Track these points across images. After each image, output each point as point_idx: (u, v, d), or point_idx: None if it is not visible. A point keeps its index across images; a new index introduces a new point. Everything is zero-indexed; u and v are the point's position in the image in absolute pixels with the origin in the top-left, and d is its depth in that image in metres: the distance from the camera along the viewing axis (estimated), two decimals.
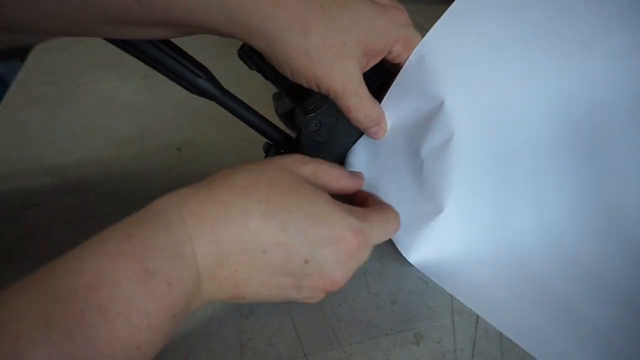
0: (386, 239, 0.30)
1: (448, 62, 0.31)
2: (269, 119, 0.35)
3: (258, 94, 0.39)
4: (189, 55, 0.32)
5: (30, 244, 0.38)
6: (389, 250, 0.37)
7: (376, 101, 0.32)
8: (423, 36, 0.31)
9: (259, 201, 0.25)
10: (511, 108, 0.32)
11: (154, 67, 0.31)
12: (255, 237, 0.24)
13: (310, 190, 0.26)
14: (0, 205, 0.42)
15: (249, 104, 0.34)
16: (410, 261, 0.35)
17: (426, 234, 0.35)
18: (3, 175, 0.46)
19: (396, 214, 0.31)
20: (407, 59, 0.31)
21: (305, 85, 0.30)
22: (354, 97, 0.30)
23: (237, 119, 0.34)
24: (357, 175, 0.33)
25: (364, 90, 0.31)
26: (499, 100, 0.32)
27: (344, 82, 0.29)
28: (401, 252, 0.36)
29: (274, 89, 0.38)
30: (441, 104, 0.32)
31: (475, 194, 0.34)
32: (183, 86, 0.32)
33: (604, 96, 0.30)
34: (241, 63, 0.34)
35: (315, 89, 0.30)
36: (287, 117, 0.38)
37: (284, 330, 0.31)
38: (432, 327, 0.32)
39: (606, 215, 0.31)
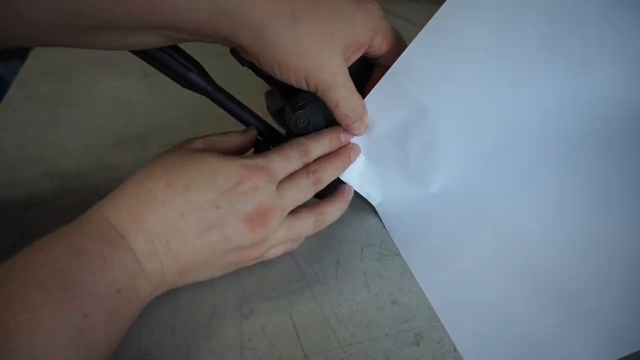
0: (292, 169, 0.32)
1: (434, 68, 0.32)
2: (263, 117, 0.35)
3: (257, 92, 0.39)
4: (182, 49, 0.32)
5: (31, 244, 0.38)
6: (389, 251, 0.37)
7: (361, 97, 0.32)
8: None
9: (159, 177, 0.28)
10: (496, 113, 0.33)
11: (146, 60, 0.31)
12: (167, 206, 0.27)
13: (200, 154, 0.29)
14: (0, 205, 0.42)
15: (247, 102, 0.34)
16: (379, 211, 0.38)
17: (406, 209, 0.37)
18: (3, 175, 0.46)
19: (293, 151, 0.32)
20: (386, 50, 0.32)
21: (293, 81, 0.30)
22: (343, 90, 0.31)
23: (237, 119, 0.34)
24: (247, 130, 0.34)
25: (351, 84, 0.31)
26: (484, 106, 0.33)
27: (334, 73, 0.29)
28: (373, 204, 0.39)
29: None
30: (426, 111, 0.33)
31: (460, 187, 0.36)
32: (174, 79, 0.32)
33: (594, 100, 0.30)
34: None
35: (304, 84, 0.30)
36: (279, 114, 0.38)
37: (284, 330, 0.31)
38: (432, 327, 0.32)
39: (595, 208, 0.31)
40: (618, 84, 0.29)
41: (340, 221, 0.39)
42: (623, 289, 0.29)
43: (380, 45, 0.31)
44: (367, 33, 0.30)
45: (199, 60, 0.33)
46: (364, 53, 0.32)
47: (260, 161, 0.30)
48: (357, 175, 0.37)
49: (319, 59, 0.28)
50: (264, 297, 0.34)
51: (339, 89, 0.30)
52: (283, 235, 0.31)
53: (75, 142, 0.50)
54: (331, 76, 0.29)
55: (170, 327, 0.32)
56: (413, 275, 0.35)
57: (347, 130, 0.34)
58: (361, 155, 0.36)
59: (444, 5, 0.29)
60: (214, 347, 0.31)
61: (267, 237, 0.30)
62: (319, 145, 0.33)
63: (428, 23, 0.30)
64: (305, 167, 0.32)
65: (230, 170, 0.28)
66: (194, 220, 0.27)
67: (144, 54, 0.30)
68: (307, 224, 0.33)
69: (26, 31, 0.26)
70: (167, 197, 0.27)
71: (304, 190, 0.32)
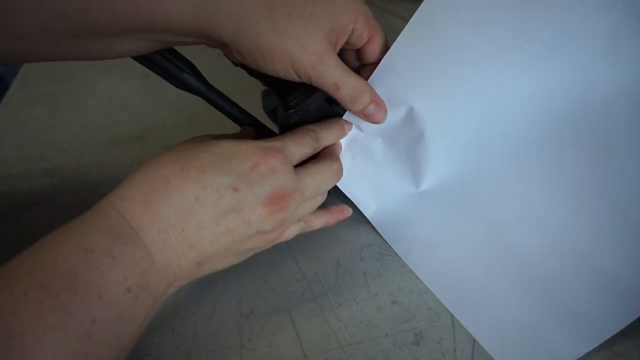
0: (305, 155, 0.31)
1: (417, 66, 0.32)
2: (259, 116, 0.35)
3: (254, 93, 0.39)
4: (175, 50, 0.32)
5: (30, 244, 0.37)
6: (389, 251, 0.37)
7: (360, 76, 0.31)
8: None
9: (172, 162, 0.27)
10: (480, 106, 0.33)
11: (140, 62, 0.31)
12: (181, 191, 0.26)
13: (213, 139, 0.28)
14: (0, 205, 0.42)
15: (244, 102, 0.34)
16: (367, 215, 0.38)
17: (399, 207, 0.37)
18: (3, 175, 0.46)
19: (315, 135, 0.32)
20: (367, 39, 0.31)
21: (279, 71, 0.29)
22: (337, 70, 0.29)
23: None
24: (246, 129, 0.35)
25: (344, 64, 0.30)
26: (468, 100, 0.33)
27: (320, 54, 0.28)
28: (362, 209, 0.38)
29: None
30: (410, 109, 0.34)
31: (450, 182, 0.36)
32: (168, 80, 0.32)
33: (574, 93, 0.30)
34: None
35: (293, 74, 0.29)
36: (274, 114, 0.38)
37: (284, 330, 0.31)
38: (432, 327, 0.32)
39: (578, 196, 0.31)
40: (591, 67, 0.29)
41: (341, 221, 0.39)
42: (601, 280, 0.30)
43: (361, 31, 0.30)
44: (348, 15, 0.29)
45: (197, 61, 0.33)
46: (346, 44, 0.31)
47: (275, 143, 0.29)
48: (345, 176, 0.37)
49: (301, 42, 0.28)
50: (264, 297, 0.34)
51: (332, 69, 0.29)
52: (301, 214, 0.31)
53: (75, 142, 0.50)
54: (318, 58, 0.28)
55: (170, 327, 0.32)
56: (413, 275, 0.35)
57: (366, 119, 0.33)
58: (349, 155, 0.36)
59: (423, 4, 0.30)
60: (214, 347, 0.31)
61: (286, 219, 0.29)
62: (329, 133, 0.33)
63: (409, 22, 0.30)
64: (329, 156, 0.32)
65: (246, 153, 0.27)
66: (210, 204, 0.26)
67: (139, 56, 0.30)
68: (319, 201, 0.32)
69: (11, 41, 0.25)
70: (180, 182, 0.26)
71: (327, 178, 0.31)
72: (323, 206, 0.33)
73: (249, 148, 0.27)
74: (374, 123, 0.33)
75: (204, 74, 0.33)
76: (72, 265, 0.22)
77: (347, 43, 0.31)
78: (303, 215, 0.31)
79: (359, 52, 0.33)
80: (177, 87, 0.32)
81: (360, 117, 0.33)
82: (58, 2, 0.24)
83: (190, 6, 0.26)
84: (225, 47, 0.29)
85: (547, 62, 0.30)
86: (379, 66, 0.32)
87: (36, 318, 0.21)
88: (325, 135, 0.33)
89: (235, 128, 0.35)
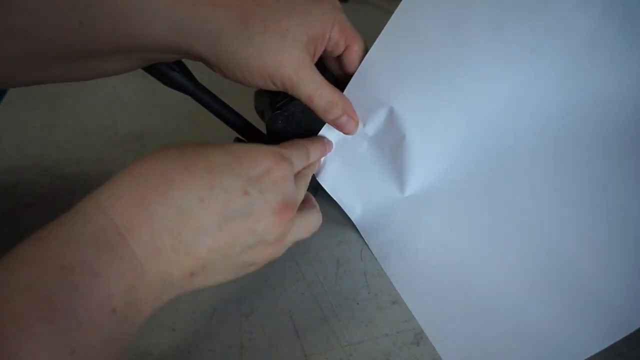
0: (300, 169, 0.31)
1: (396, 69, 0.32)
2: (252, 116, 0.35)
3: (251, 95, 0.39)
4: None
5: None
6: None
7: (338, 89, 0.32)
8: None
9: (174, 158, 0.23)
10: (460, 110, 0.33)
11: None
12: (184, 190, 0.23)
13: (221, 144, 0.26)
14: (1, 205, 0.42)
15: (238, 103, 0.34)
16: (352, 219, 0.38)
17: (383, 211, 0.37)
18: (3, 175, 0.46)
19: (314, 148, 0.33)
20: (345, 46, 0.31)
21: (260, 83, 0.30)
22: (311, 83, 0.30)
23: None
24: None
25: (319, 76, 0.30)
26: (446, 102, 0.32)
27: (296, 67, 0.29)
28: (347, 213, 0.38)
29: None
30: (390, 110, 0.33)
31: (434, 188, 0.36)
32: (158, 78, 0.32)
33: (556, 93, 0.30)
34: None
35: (271, 85, 0.30)
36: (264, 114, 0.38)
37: (284, 330, 0.31)
38: None
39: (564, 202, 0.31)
40: (572, 68, 0.29)
41: (340, 221, 0.39)
42: (622, 271, 0.29)
43: (337, 39, 0.31)
44: (323, 23, 0.29)
45: (192, 62, 0.33)
46: (325, 53, 0.31)
47: (283, 151, 0.27)
48: (332, 179, 0.37)
49: (277, 55, 0.28)
50: (264, 297, 0.34)
51: (307, 82, 0.30)
52: (297, 233, 0.29)
53: (75, 142, 0.50)
54: (294, 70, 0.29)
55: (170, 327, 0.32)
56: None
57: (338, 129, 0.34)
58: (337, 158, 0.36)
59: (400, 5, 0.30)
60: (214, 347, 0.31)
61: (286, 232, 0.27)
62: (315, 151, 0.33)
63: (386, 25, 0.30)
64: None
65: (258, 156, 0.25)
66: (216, 206, 0.23)
67: None
68: (314, 219, 0.31)
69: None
70: (184, 181, 0.23)
71: (305, 189, 0.32)
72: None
73: (260, 152, 0.26)
74: (345, 133, 0.34)
75: (199, 74, 0.33)
76: (48, 288, 0.19)
77: (324, 51, 0.31)
78: (299, 236, 0.30)
79: (339, 61, 0.33)
80: (167, 85, 0.32)
81: (333, 127, 0.34)
82: (43, 29, 0.24)
83: (168, 28, 0.26)
84: (205, 62, 0.29)
85: (528, 62, 0.29)
86: (359, 68, 0.32)
87: (7, 353, 0.17)
88: (313, 152, 0.33)
89: (230, 130, 0.35)
